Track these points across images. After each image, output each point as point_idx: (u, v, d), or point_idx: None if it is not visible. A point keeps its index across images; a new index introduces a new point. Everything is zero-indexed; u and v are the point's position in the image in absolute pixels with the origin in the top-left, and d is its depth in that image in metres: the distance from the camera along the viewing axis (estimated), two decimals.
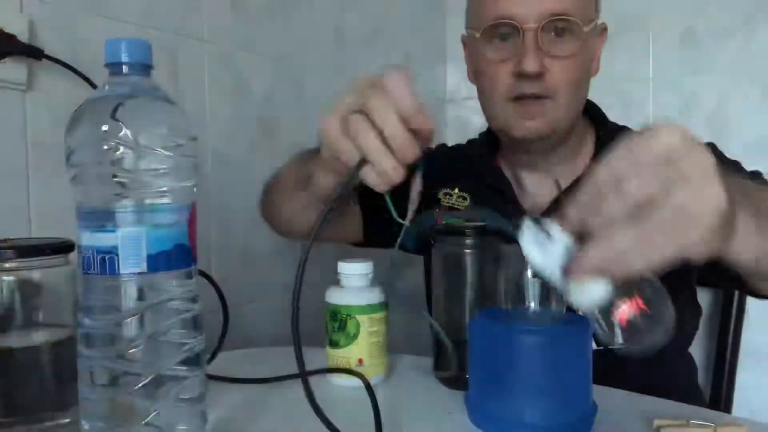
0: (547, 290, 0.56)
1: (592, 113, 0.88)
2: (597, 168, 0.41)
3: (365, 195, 0.88)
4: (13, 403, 0.53)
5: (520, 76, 0.75)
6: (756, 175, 0.76)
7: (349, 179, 0.51)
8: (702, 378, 1.15)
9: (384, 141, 0.49)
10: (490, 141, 0.91)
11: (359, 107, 0.50)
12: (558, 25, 0.74)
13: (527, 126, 0.77)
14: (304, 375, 0.47)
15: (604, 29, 0.83)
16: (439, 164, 0.93)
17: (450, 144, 1.03)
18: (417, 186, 0.55)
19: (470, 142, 0.97)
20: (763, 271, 0.56)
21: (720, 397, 1.07)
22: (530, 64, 0.73)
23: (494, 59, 0.77)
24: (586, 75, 0.80)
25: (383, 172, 0.49)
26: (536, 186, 0.86)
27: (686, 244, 0.39)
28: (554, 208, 0.81)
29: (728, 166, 0.75)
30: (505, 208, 0.83)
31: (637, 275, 0.42)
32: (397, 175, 0.50)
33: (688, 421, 0.53)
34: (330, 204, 0.51)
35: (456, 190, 0.89)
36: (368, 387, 0.60)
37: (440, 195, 0.90)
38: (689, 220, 0.39)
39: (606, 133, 0.85)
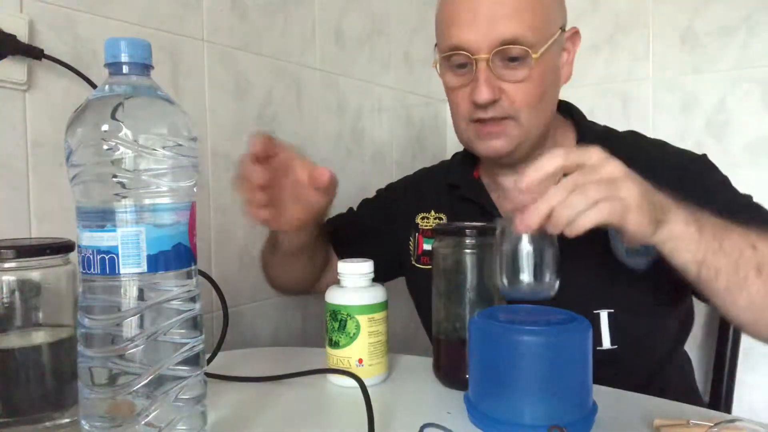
0: (540, 263, 0.57)
1: (570, 112, 0.87)
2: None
3: (340, 243, 0.95)
4: (13, 403, 0.53)
5: (475, 104, 0.76)
6: (748, 202, 0.75)
7: None
8: (702, 378, 1.15)
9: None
10: (471, 153, 0.91)
11: None
12: (509, 53, 0.73)
13: (490, 146, 0.78)
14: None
15: (574, 33, 0.82)
16: (415, 191, 0.96)
17: (449, 154, 1.03)
18: None
19: (455, 156, 0.98)
20: (705, 281, 0.62)
21: (720, 397, 1.07)
22: (481, 95, 0.74)
23: (454, 86, 0.79)
24: (550, 88, 0.79)
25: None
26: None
27: (604, 198, 0.54)
28: None
29: (713, 185, 0.76)
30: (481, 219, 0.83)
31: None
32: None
33: (688, 421, 0.53)
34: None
35: (432, 212, 0.91)
36: (362, 387, 0.61)
37: (418, 220, 0.92)
38: (607, 184, 0.55)
39: (585, 130, 0.85)
